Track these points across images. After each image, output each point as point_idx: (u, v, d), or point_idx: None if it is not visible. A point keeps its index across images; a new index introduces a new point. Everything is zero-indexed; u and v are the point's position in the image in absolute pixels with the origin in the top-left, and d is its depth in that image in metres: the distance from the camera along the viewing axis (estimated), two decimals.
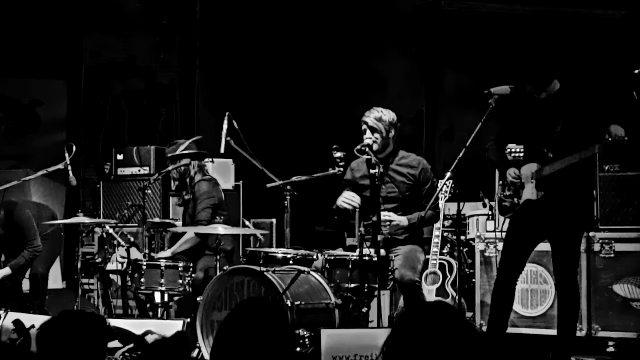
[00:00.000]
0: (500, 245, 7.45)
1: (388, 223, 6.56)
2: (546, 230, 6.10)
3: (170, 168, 7.62)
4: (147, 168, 9.66)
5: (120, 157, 9.82)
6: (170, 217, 9.35)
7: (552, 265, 6.23)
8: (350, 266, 6.30)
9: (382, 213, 6.50)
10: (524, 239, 6.14)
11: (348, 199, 6.73)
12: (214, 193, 7.63)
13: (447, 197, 7.87)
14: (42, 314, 7.08)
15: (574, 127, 5.90)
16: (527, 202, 6.03)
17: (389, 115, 6.83)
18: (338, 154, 6.82)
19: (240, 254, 7.89)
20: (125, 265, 7.73)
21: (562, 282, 6.07)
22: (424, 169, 6.87)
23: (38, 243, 7.91)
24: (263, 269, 6.42)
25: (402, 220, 6.70)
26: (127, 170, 9.77)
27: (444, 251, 8.34)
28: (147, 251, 7.60)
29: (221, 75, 11.23)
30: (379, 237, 6.38)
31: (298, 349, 6.02)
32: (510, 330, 6.62)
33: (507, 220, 6.27)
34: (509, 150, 6.02)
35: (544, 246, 6.38)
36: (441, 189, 7.25)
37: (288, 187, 7.14)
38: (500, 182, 6.23)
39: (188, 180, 7.66)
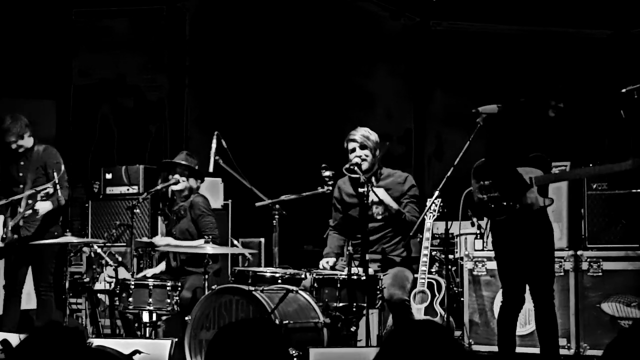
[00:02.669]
0: (488, 264, 7.48)
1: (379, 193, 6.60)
2: (520, 251, 6.09)
3: (181, 186, 7.59)
4: (135, 187, 9.65)
5: (109, 176, 9.80)
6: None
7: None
8: (338, 285, 6.30)
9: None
10: (512, 262, 6.13)
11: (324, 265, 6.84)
12: (211, 209, 7.72)
13: (435, 216, 7.88)
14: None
15: None
16: (497, 225, 6.05)
17: (373, 134, 6.90)
18: (326, 173, 6.84)
19: (229, 273, 7.87)
20: (113, 284, 7.71)
21: (540, 302, 6.07)
22: (410, 182, 6.90)
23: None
24: (251, 288, 6.42)
25: (390, 200, 6.67)
26: (116, 190, 9.75)
27: (433, 270, 8.34)
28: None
29: (210, 95, 11.24)
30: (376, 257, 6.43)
31: None
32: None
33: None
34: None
35: None
36: (429, 208, 7.26)
37: (277, 206, 7.15)
38: (482, 182, 6.13)
39: (187, 195, 7.66)
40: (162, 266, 7.82)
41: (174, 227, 7.67)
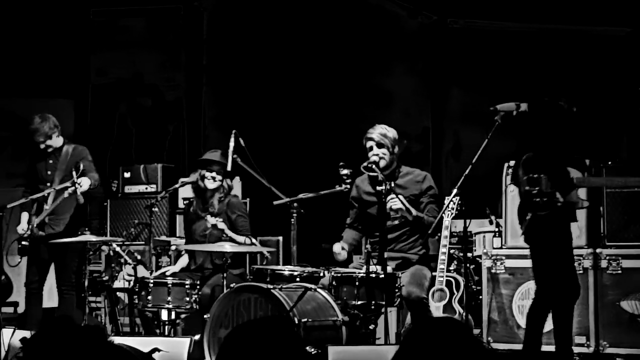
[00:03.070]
0: (506, 262, 7.46)
1: (397, 201, 6.59)
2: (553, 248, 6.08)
3: (217, 184, 7.60)
4: (154, 186, 9.68)
5: (127, 175, 9.85)
6: (177, 235, 9.35)
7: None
8: (357, 283, 6.30)
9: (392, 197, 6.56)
10: (547, 258, 6.13)
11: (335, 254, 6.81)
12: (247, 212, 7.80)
13: (453, 214, 7.85)
14: None
15: None
16: (537, 220, 6.02)
17: (392, 132, 6.89)
18: (344, 171, 6.85)
19: (247, 271, 7.89)
20: (132, 283, 7.74)
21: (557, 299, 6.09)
22: (429, 181, 6.91)
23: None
24: (270, 286, 6.42)
25: (410, 208, 6.70)
26: (134, 188, 9.79)
27: (451, 268, 8.31)
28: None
29: (228, 93, 11.25)
30: (393, 255, 6.42)
31: None
32: (519, 347, 6.63)
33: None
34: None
35: None
36: (447, 206, 7.26)
37: (295, 204, 7.16)
38: (531, 175, 6.07)
39: (223, 194, 7.67)
40: (182, 262, 7.83)
41: (204, 226, 7.64)
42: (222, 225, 7.35)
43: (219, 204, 7.63)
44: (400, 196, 6.66)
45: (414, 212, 6.71)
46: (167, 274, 7.53)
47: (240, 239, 7.42)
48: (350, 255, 8.48)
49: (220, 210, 7.61)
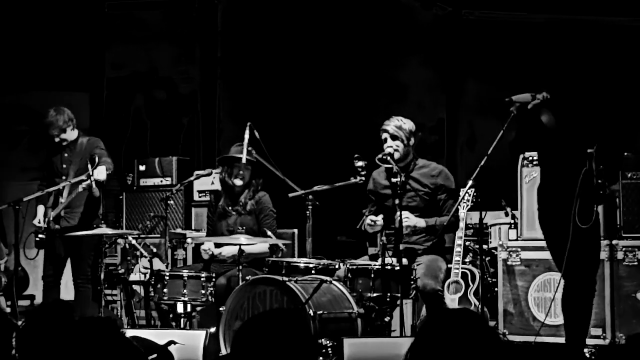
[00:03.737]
0: (522, 254, 7.44)
1: (406, 218, 6.60)
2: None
3: (243, 182, 7.56)
4: (169, 179, 9.70)
5: (142, 168, 9.87)
6: (193, 228, 9.36)
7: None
8: (372, 275, 6.31)
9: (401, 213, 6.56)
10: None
11: (370, 225, 6.76)
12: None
13: (469, 206, 7.84)
14: None
15: None
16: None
17: (408, 123, 6.88)
18: (359, 163, 6.85)
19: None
20: (148, 276, 7.75)
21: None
22: (445, 177, 6.90)
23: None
24: (285, 278, 6.43)
25: (419, 221, 6.72)
26: (150, 181, 9.81)
27: (466, 260, 8.30)
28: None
29: (242, 86, 11.25)
30: (401, 247, 6.41)
31: (321, 358, 6.02)
32: (535, 339, 6.61)
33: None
34: None
35: None
36: (463, 198, 7.24)
37: (310, 196, 7.16)
38: (600, 167, 6.02)
39: (252, 190, 7.64)
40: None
41: (233, 222, 7.61)
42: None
43: (248, 201, 7.58)
44: (407, 212, 6.68)
45: (423, 224, 6.75)
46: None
47: (262, 247, 7.39)
48: (365, 247, 8.49)
49: (249, 210, 7.57)
